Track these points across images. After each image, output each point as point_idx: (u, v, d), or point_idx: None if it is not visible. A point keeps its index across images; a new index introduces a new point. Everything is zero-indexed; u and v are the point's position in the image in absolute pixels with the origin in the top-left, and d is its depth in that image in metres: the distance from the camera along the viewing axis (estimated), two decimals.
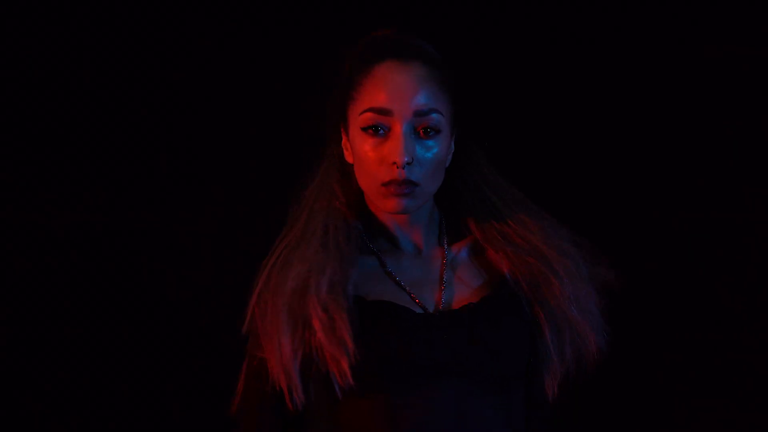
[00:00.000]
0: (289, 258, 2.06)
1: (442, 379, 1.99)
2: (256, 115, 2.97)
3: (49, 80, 2.95)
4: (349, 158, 2.12)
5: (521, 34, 2.94)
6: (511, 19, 2.94)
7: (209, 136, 2.97)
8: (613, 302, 2.13)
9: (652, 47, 2.93)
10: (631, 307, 2.89)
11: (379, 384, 1.99)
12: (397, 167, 2.01)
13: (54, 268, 2.96)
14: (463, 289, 2.10)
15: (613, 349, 2.11)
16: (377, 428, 2.00)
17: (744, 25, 2.91)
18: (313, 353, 2.00)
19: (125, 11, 2.94)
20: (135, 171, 2.97)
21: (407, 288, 2.09)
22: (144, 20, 2.94)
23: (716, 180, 2.93)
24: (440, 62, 2.09)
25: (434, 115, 2.04)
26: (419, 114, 2.03)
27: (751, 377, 2.93)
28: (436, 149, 2.05)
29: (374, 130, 2.04)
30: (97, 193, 2.96)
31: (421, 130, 2.04)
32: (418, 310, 2.05)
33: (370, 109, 2.03)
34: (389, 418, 1.99)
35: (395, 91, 2.03)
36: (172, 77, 2.96)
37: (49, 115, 2.95)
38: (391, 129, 2.03)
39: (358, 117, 2.05)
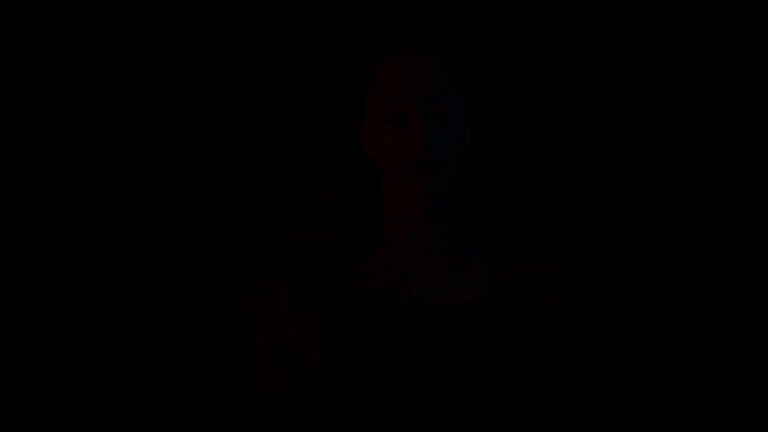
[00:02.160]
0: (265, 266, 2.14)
1: (422, 374, 2.00)
2: (256, 115, 2.97)
3: (50, 80, 2.95)
4: (368, 152, 2.13)
5: (522, 32, 2.95)
6: (513, 16, 2.95)
7: (209, 136, 2.98)
8: (612, 304, 2.13)
9: (652, 47, 2.94)
10: (631, 308, 2.89)
11: (352, 373, 2.01)
12: (418, 149, 2.03)
13: (53, 267, 2.97)
14: (460, 288, 2.10)
15: (611, 351, 2.11)
16: (356, 407, 2.02)
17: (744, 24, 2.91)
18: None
19: (126, 11, 2.94)
20: (135, 171, 2.97)
21: (405, 281, 2.09)
22: (144, 20, 2.95)
23: (716, 180, 2.93)
24: (455, 55, 2.11)
25: (448, 98, 2.06)
26: (434, 98, 2.05)
27: (750, 378, 2.93)
28: (452, 131, 2.06)
29: (391, 115, 2.06)
30: (96, 192, 2.97)
31: (437, 113, 2.06)
32: (409, 303, 2.06)
33: (385, 96, 2.06)
34: (364, 403, 2.01)
35: (409, 76, 2.05)
36: (173, 77, 2.97)
37: (49, 114, 2.96)
38: (408, 113, 2.05)
39: (373, 106, 2.08)
